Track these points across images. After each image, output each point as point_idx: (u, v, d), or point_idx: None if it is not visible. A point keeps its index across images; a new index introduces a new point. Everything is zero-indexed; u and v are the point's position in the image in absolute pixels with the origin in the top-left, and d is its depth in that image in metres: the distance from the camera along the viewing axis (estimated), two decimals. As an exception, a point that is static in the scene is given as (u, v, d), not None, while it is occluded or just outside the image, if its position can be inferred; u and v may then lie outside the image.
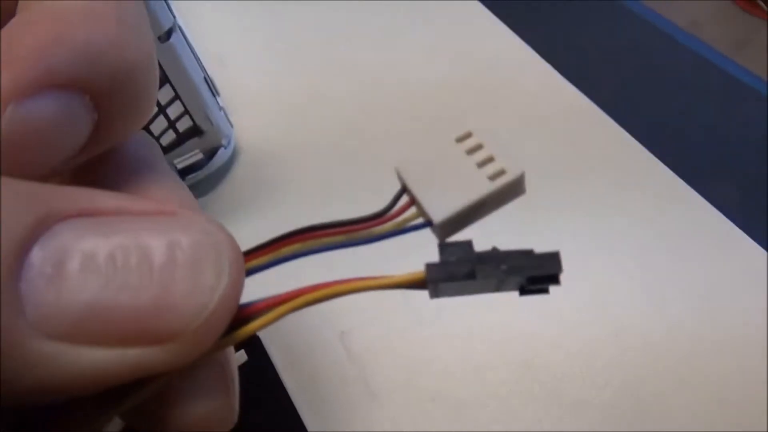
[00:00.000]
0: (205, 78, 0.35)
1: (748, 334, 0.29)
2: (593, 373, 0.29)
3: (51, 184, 0.11)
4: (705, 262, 0.31)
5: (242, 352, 0.30)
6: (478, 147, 0.14)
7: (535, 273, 0.14)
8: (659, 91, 0.39)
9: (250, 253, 0.14)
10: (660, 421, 0.28)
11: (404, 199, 0.15)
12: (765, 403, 0.27)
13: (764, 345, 0.29)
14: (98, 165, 0.14)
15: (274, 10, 0.48)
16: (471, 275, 0.13)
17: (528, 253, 0.14)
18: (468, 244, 0.14)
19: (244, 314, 0.13)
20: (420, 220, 0.14)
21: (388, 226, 0.15)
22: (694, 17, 1.71)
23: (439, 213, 0.14)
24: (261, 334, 0.31)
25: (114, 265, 0.11)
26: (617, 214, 0.34)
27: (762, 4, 1.71)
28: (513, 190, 0.14)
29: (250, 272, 0.14)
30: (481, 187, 0.14)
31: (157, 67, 0.14)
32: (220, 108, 0.37)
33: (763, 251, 0.31)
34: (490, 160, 0.14)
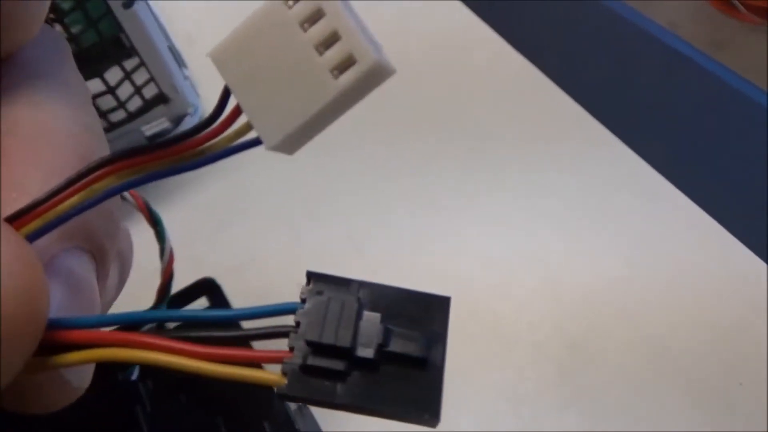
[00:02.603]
0: (169, 47, 0.37)
1: (676, 282, 0.31)
2: (529, 315, 0.31)
3: None
4: (636, 214, 0.33)
5: (204, 299, 0.31)
6: (327, 33, 0.11)
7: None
8: (600, 56, 0.42)
9: (51, 197, 0.12)
10: (589, 359, 0.30)
11: (233, 101, 0.12)
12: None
13: (691, 292, 0.31)
14: None
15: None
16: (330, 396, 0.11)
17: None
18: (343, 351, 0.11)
19: (62, 340, 0.12)
20: (254, 134, 0.12)
21: (220, 141, 0.12)
22: (671, 18, 1.75)
23: (270, 137, 0.11)
24: (223, 285, 0.32)
25: None
26: (557, 174, 0.36)
27: (738, 5, 1.75)
28: (371, 80, 0.11)
29: (59, 221, 0.12)
30: (322, 91, 0.11)
31: None
32: (186, 77, 0.39)
33: (691, 202, 0.33)
34: (334, 42, 0.11)
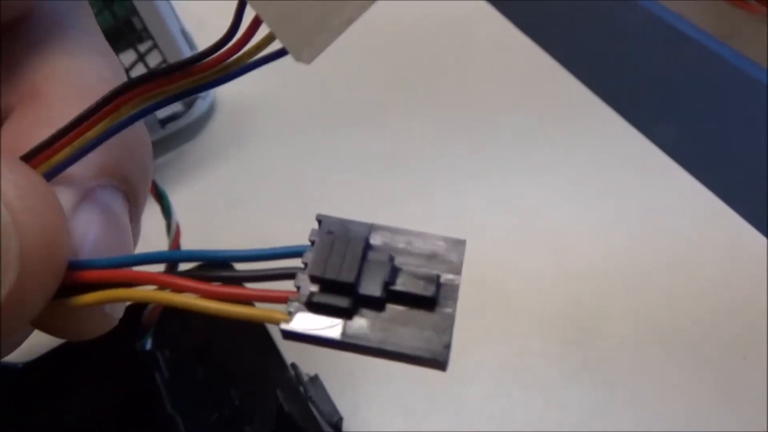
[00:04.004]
0: (181, 30, 0.38)
1: (681, 257, 0.32)
2: (535, 289, 0.31)
3: None
4: (642, 191, 0.34)
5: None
6: None
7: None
8: (608, 40, 0.42)
9: (83, 120, 0.12)
10: (594, 332, 0.30)
11: (250, 15, 0.11)
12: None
13: (696, 267, 0.32)
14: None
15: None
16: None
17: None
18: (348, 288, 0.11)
19: (81, 280, 0.12)
20: (278, 46, 0.11)
21: (240, 56, 0.12)
22: (678, 8, 1.74)
23: (297, 49, 0.11)
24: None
25: None
26: (566, 154, 0.36)
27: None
28: None
29: (89, 147, 0.12)
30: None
31: None
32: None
33: (695, 180, 0.34)
34: None
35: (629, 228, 0.33)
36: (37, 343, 0.23)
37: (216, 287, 0.11)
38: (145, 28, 0.35)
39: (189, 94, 0.12)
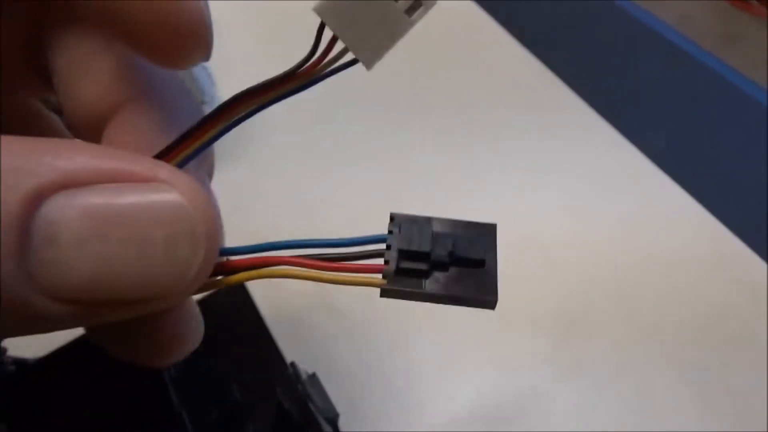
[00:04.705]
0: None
1: (667, 265, 0.33)
2: (527, 294, 0.32)
3: (38, 145, 0.12)
4: (629, 198, 0.35)
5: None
6: None
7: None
8: (601, 51, 0.43)
9: (206, 123, 0.15)
10: (583, 336, 0.31)
11: (327, 37, 0.15)
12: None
13: (681, 275, 0.33)
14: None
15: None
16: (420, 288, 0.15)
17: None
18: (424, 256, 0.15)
19: (230, 264, 0.15)
20: (349, 57, 0.15)
21: (320, 68, 0.15)
22: (683, 11, 1.75)
23: (368, 60, 0.14)
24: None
25: (102, 240, 0.12)
26: (556, 162, 0.37)
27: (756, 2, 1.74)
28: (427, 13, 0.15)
29: (214, 138, 0.15)
30: (401, 25, 0.14)
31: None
32: (203, 68, 0.41)
33: (682, 190, 0.35)
34: None
35: (617, 235, 0.34)
36: (47, 339, 0.24)
37: (332, 263, 0.15)
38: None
39: (282, 98, 0.16)
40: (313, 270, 0.15)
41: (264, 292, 0.34)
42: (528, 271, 0.33)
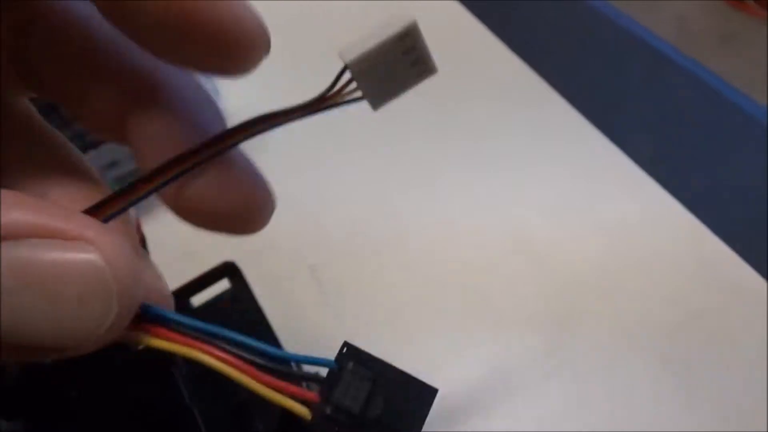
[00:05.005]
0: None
1: (652, 266, 0.35)
2: (517, 294, 0.34)
3: None
4: (616, 203, 0.37)
5: (225, 280, 0.35)
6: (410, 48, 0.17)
7: None
8: (588, 57, 0.45)
9: (232, 132, 0.16)
10: (571, 334, 0.33)
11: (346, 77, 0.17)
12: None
13: (665, 276, 0.34)
14: None
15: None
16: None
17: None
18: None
19: (167, 335, 0.15)
20: (357, 94, 0.17)
21: (329, 103, 0.17)
22: (680, 11, 1.76)
23: (376, 104, 0.17)
24: (243, 268, 0.36)
25: (22, 291, 0.13)
26: (546, 166, 0.39)
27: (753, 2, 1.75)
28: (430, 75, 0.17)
29: (233, 144, 0.16)
30: (410, 80, 0.17)
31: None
32: (208, 78, 0.42)
33: (667, 193, 0.36)
34: (413, 51, 0.17)
35: (604, 237, 0.36)
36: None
37: (265, 376, 0.15)
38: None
39: (296, 120, 0.17)
40: (244, 375, 0.15)
41: (268, 293, 0.35)
42: (518, 273, 0.35)
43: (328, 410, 0.15)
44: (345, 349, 0.16)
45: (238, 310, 0.34)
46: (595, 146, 0.39)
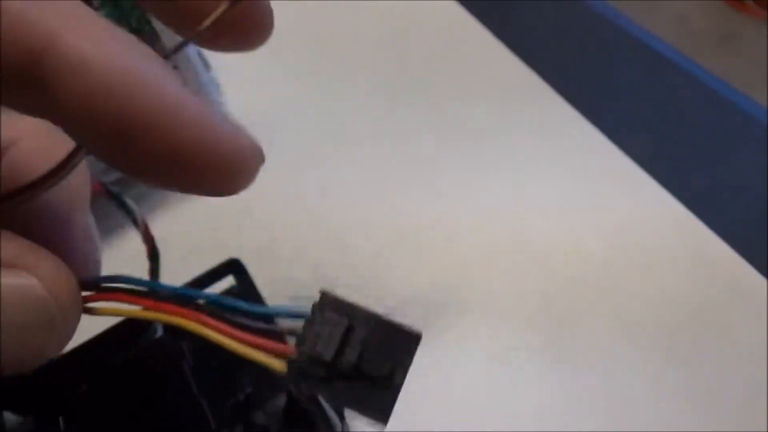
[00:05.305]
0: (197, 51, 0.41)
1: (651, 263, 0.35)
2: (518, 288, 0.35)
3: None
4: (616, 202, 0.37)
5: (231, 277, 0.35)
6: None
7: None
8: (592, 55, 0.45)
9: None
10: (571, 330, 0.34)
11: None
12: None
13: (664, 273, 0.35)
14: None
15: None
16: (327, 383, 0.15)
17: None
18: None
19: (152, 304, 0.15)
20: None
21: None
22: (680, 11, 1.76)
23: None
24: (247, 265, 0.36)
25: None
26: (545, 164, 0.40)
27: (748, 0, 1.76)
28: None
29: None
30: None
31: None
32: (212, 80, 0.43)
33: (667, 192, 0.37)
34: None
35: (604, 234, 0.36)
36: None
37: (241, 334, 0.15)
38: (166, 52, 0.39)
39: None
40: (223, 335, 0.15)
41: (272, 291, 0.36)
42: (519, 269, 0.36)
43: (300, 360, 0.15)
44: (321, 297, 0.15)
45: (244, 318, 0.35)
46: (595, 146, 0.40)
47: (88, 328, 0.23)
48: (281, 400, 0.29)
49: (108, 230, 0.39)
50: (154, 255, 0.27)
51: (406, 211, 0.39)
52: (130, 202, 0.27)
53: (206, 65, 0.43)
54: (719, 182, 0.37)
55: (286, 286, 0.37)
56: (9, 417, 0.29)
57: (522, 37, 0.47)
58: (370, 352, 0.15)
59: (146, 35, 0.39)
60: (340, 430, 0.29)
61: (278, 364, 0.15)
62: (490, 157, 0.40)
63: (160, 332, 0.28)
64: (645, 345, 0.33)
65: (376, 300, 0.34)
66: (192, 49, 0.41)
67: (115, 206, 0.28)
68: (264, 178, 0.42)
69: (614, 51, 0.45)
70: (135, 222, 0.27)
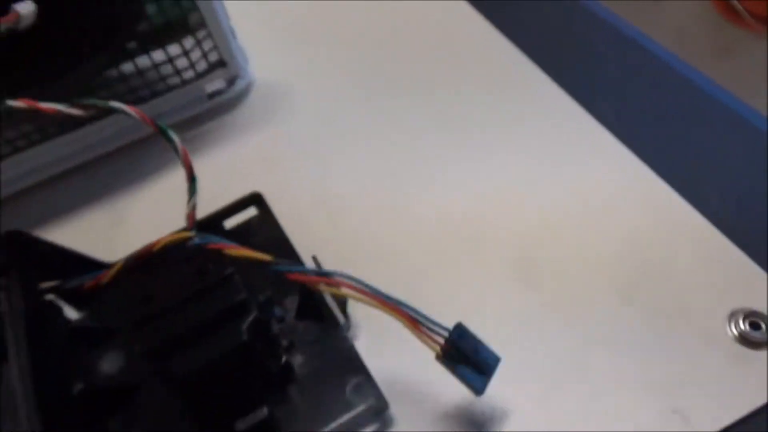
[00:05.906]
0: (228, 24, 0.47)
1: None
2: (497, 238, 0.40)
3: None
4: (586, 167, 0.43)
5: (253, 208, 0.41)
6: None
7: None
8: (592, 55, 0.51)
9: None
10: (545, 274, 0.39)
11: None
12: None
13: (623, 220, 0.41)
14: None
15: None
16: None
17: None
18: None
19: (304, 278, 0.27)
20: None
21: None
22: (677, 24, 1.82)
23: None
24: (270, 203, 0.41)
25: None
26: (522, 134, 0.46)
27: (743, 13, 1.81)
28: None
29: None
30: None
31: None
32: (239, 47, 0.49)
33: (635, 157, 0.43)
34: None
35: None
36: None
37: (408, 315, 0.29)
38: (203, 22, 0.45)
39: None
40: (374, 300, 0.28)
41: (288, 222, 0.41)
42: (495, 218, 0.41)
43: (447, 352, 0.28)
44: (457, 326, 0.29)
45: (264, 232, 0.40)
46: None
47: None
48: (296, 298, 0.35)
49: (156, 168, 0.46)
50: (192, 178, 0.33)
51: (406, 175, 0.44)
52: (173, 135, 0.32)
53: (234, 35, 0.49)
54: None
55: (299, 209, 0.43)
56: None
57: (527, 37, 0.52)
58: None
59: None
60: (343, 321, 0.35)
61: (436, 348, 0.29)
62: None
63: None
64: (603, 278, 0.38)
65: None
66: (227, 22, 0.47)
67: (162, 138, 0.33)
68: (278, 137, 0.48)
69: (615, 51, 0.51)
70: (176, 150, 0.32)
